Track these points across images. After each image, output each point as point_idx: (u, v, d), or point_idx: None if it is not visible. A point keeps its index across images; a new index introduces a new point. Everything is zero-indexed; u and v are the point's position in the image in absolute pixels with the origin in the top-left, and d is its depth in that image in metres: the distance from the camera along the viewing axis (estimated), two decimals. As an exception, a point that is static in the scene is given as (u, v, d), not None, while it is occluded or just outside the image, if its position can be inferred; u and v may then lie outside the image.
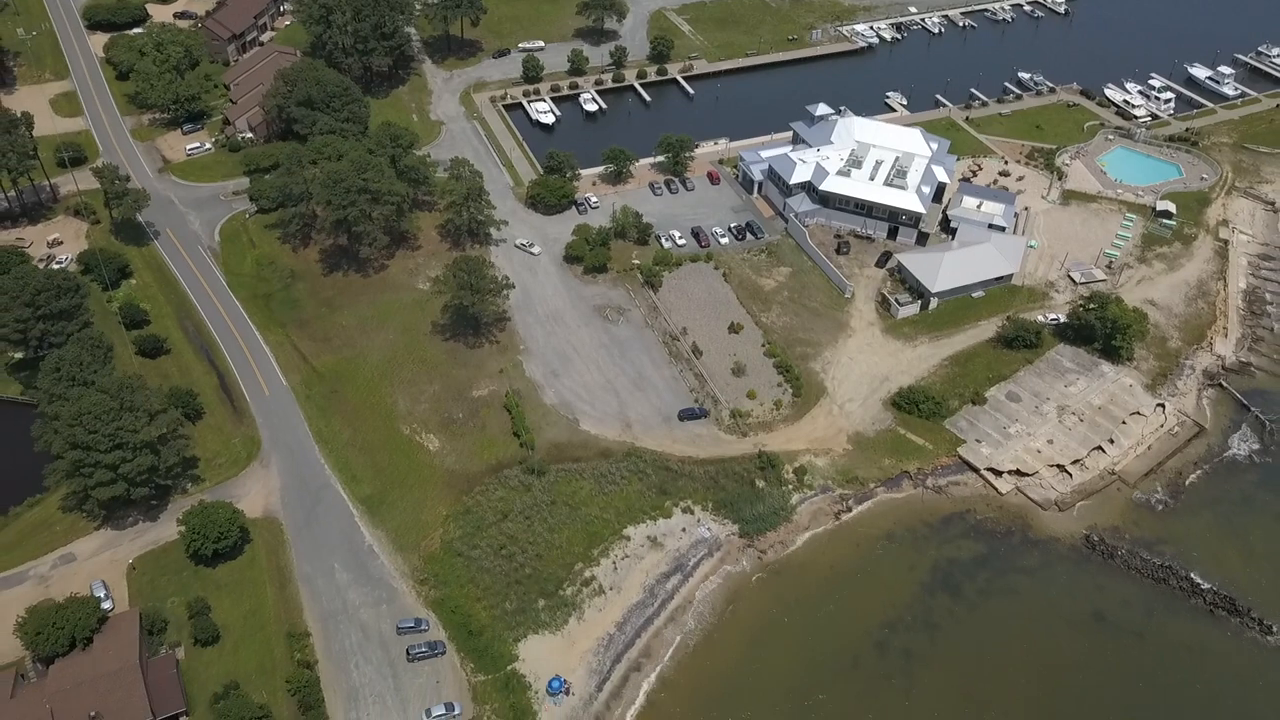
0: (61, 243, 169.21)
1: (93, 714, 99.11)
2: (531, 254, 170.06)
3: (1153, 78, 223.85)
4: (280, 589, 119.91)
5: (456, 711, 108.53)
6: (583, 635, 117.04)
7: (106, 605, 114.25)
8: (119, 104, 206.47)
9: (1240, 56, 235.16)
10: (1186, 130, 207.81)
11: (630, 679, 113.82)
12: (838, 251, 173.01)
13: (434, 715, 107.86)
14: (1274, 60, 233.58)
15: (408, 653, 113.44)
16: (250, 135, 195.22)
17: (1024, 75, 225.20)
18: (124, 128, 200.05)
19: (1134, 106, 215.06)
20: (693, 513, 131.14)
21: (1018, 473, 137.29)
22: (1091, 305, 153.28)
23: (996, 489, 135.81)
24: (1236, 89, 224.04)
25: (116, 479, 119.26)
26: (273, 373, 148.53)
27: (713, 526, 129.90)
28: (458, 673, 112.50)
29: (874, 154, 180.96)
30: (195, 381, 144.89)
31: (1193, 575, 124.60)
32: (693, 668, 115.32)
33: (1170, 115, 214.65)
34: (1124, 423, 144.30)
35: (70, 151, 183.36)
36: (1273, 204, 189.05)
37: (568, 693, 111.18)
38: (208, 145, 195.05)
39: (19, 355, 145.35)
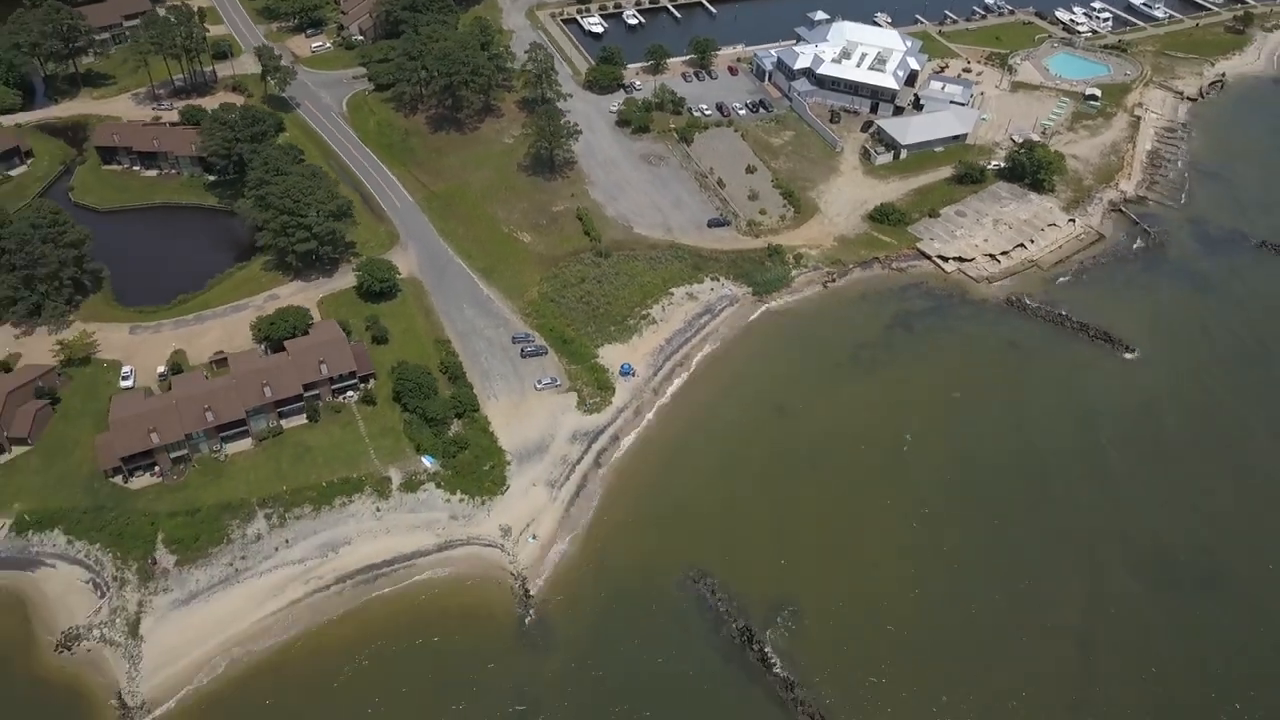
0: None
1: (320, 360, 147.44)
2: (611, 111, 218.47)
3: (1095, 1, 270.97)
4: (426, 317, 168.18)
5: (558, 382, 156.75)
6: (642, 345, 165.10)
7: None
8: (251, 16, 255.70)
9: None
10: (1119, 41, 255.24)
11: (675, 371, 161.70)
12: (831, 121, 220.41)
13: (542, 384, 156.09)
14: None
15: (521, 352, 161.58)
16: (361, 37, 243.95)
17: (990, 1, 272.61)
18: (258, 33, 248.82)
19: (1078, 24, 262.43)
20: (718, 280, 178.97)
21: (960, 259, 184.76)
22: (1022, 149, 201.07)
23: (943, 269, 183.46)
24: (1166, 13, 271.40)
25: (311, 237, 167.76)
26: (401, 193, 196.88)
27: (732, 288, 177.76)
28: (557, 364, 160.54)
29: (860, 48, 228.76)
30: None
31: (1082, 320, 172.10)
32: (716, 367, 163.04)
33: (1108, 31, 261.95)
34: (1043, 230, 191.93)
35: (225, 45, 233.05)
36: (1181, 93, 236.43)
37: (633, 375, 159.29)
38: (328, 45, 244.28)
39: (212, 177, 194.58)
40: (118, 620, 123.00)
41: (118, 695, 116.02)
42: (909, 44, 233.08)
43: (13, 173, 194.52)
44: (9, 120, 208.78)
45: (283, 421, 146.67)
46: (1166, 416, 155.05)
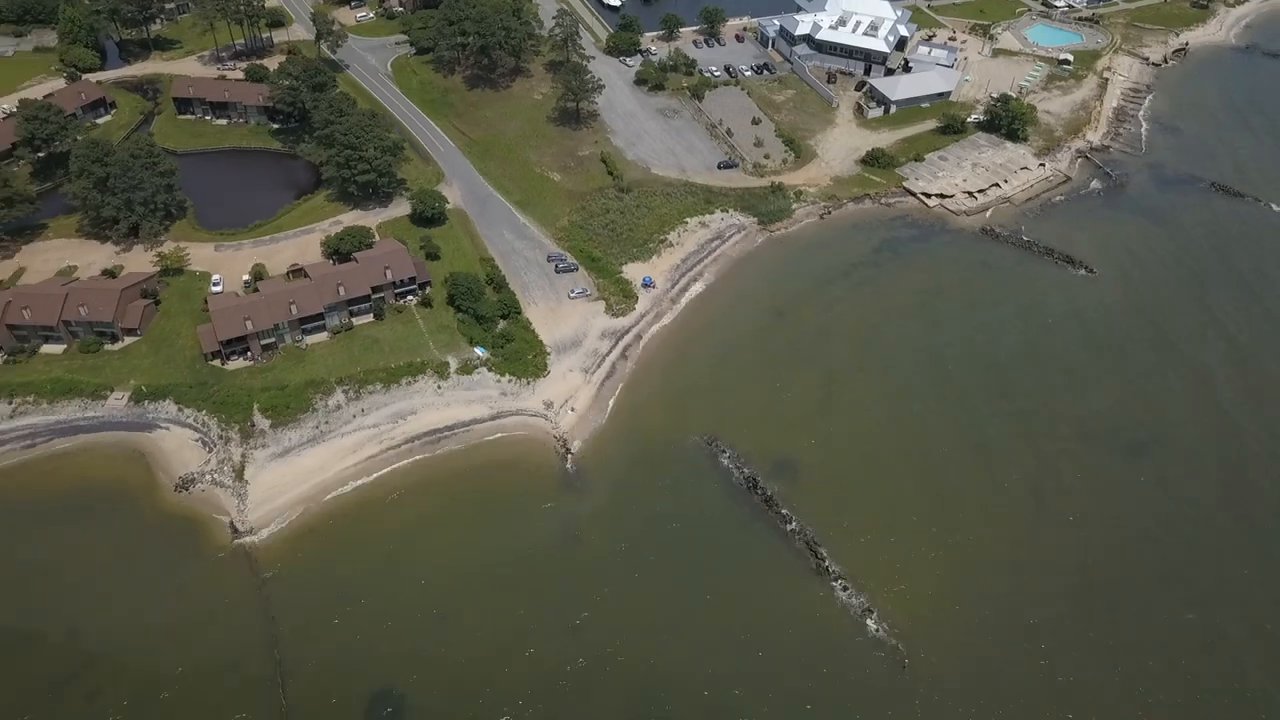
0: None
1: (386, 267, 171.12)
2: (627, 65, 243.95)
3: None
4: (471, 240, 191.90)
5: (588, 292, 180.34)
6: (661, 264, 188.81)
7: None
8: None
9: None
10: (1093, 14, 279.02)
11: (690, 284, 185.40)
12: (828, 81, 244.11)
13: (574, 293, 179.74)
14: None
15: (555, 268, 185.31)
16: (401, 8, 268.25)
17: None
18: (307, 4, 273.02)
19: (1056, 0, 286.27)
20: (728, 211, 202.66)
21: (941, 195, 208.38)
22: (998, 102, 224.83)
23: (926, 204, 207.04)
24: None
25: (370, 170, 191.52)
26: (443, 140, 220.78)
27: (740, 218, 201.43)
28: (587, 278, 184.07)
29: (855, 17, 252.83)
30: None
31: (1048, 245, 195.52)
32: (726, 281, 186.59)
33: (1084, 6, 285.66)
34: (1016, 172, 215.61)
35: (279, 15, 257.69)
36: (1147, 59, 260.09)
37: (653, 286, 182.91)
38: (370, 15, 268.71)
39: (275, 125, 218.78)
40: (225, 468, 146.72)
41: (230, 523, 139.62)
42: (899, 13, 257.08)
43: (99, 121, 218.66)
44: (92, 78, 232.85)
45: (353, 319, 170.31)
46: (1115, 320, 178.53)
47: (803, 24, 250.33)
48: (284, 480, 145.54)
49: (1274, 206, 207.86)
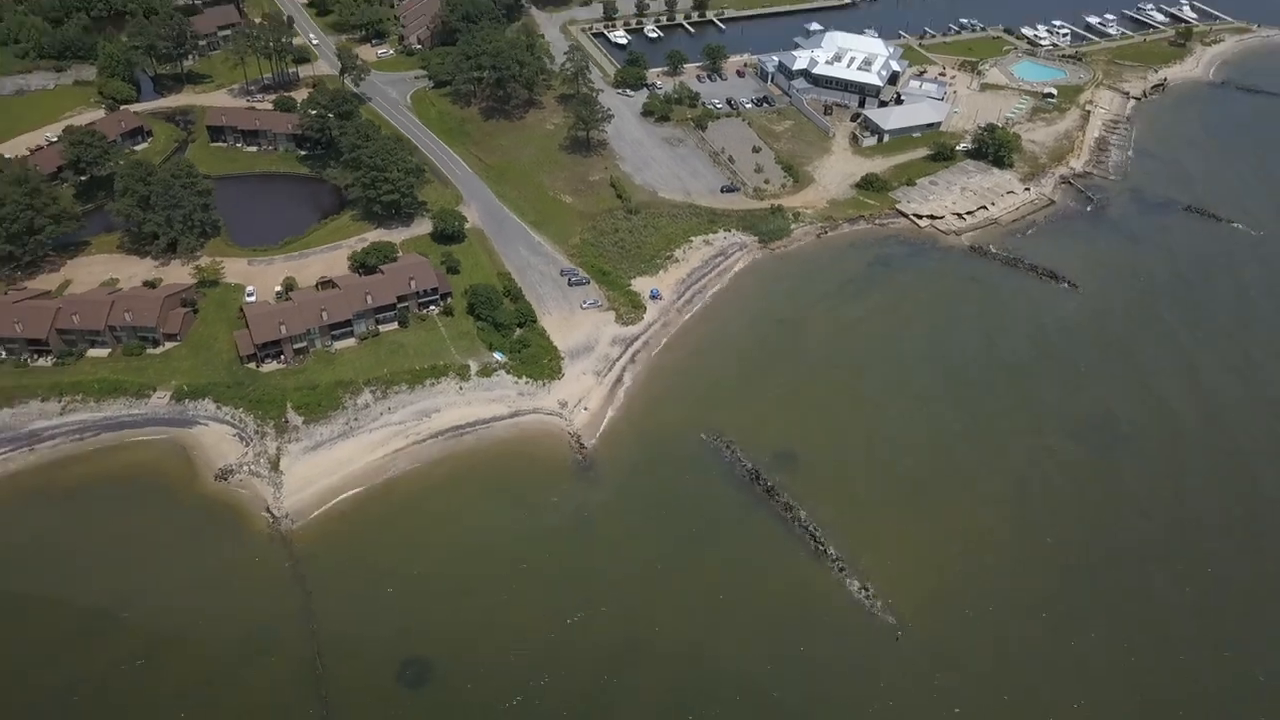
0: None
1: (411, 278, 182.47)
2: (628, 95, 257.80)
3: (1056, 20, 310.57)
4: (489, 256, 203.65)
5: (599, 303, 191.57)
6: (668, 278, 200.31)
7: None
8: (323, 29, 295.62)
9: (1126, 11, 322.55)
10: (1075, 52, 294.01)
11: (695, 296, 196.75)
12: (825, 113, 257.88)
13: (586, 304, 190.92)
14: (1149, 13, 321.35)
15: (568, 281, 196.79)
16: (420, 46, 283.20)
17: (964, 20, 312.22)
18: (330, 43, 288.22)
19: (1040, 39, 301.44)
20: (730, 231, 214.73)
21: (932, 216, 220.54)
22: (985, 131, 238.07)
23: (918, 224, 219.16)
24: (1118, 31, 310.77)
25: (394, 190, 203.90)
26: (461, 165, 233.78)
27: (742, 236, 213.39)
28: (598, 290, 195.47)
29: (850, 53, 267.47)
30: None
31: (1033, 262, 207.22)
32: (729, 294, 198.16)
33: (1066, 44, 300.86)
34: (1002, 196, 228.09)
35: (304, 53, 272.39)
36: (1127, 93, 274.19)
37: (660, 298, 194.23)
38: (391, 51, 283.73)
39: (303, 152, 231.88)
40: (261, 460, 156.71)
41: (267, 509, 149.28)
42: (892, 50, 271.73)
43: (137, 148, 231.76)
44: (129, 109, 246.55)
45: (379, 326, 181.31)
46: (1095, 329, 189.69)
47: (800, 60, 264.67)
48: (316, 471, 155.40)
49: (1239, 226, 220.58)
